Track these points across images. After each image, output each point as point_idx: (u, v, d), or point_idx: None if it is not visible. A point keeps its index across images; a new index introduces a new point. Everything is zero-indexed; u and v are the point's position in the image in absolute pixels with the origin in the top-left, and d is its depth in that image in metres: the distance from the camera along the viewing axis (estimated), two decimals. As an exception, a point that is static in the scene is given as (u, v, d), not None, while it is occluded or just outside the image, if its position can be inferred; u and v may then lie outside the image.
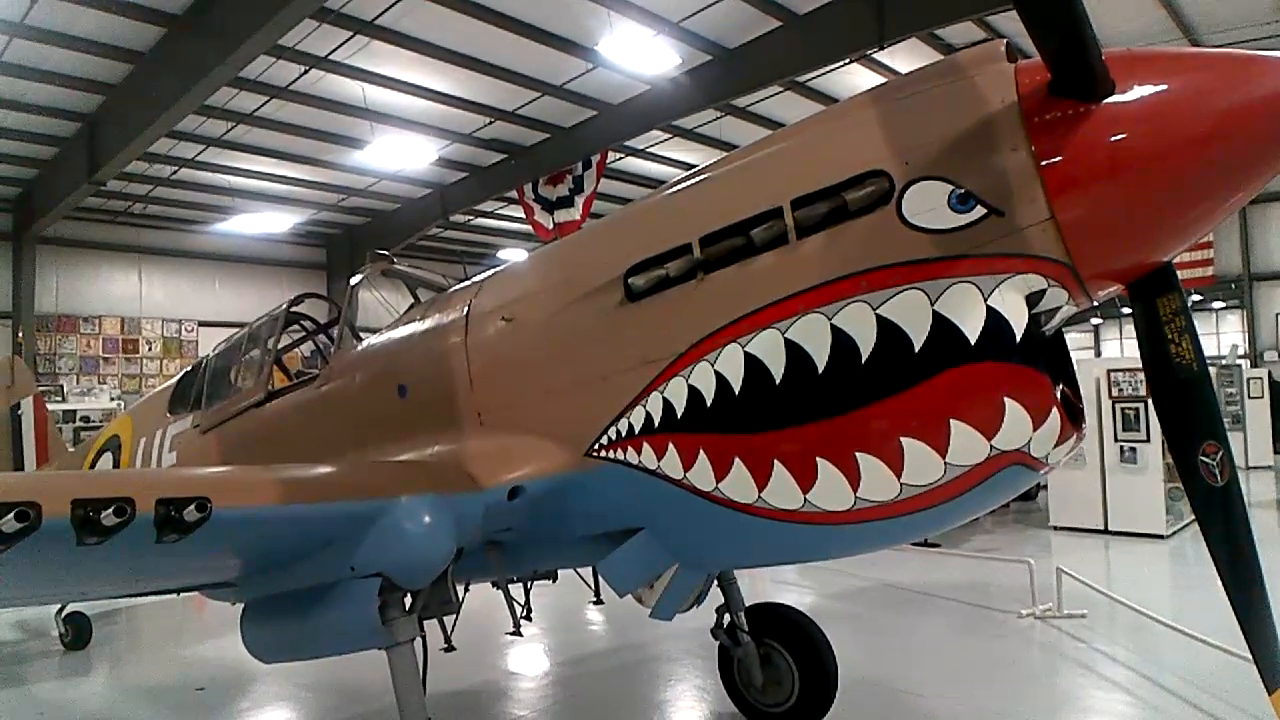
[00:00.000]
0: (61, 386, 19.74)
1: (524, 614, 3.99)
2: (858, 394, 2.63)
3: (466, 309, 3.88)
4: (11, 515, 2.20)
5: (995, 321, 2.50)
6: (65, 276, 21.04)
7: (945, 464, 2.57)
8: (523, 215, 19.76)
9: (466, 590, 3.65)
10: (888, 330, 2.58)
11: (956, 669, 5.60)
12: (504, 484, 3.26)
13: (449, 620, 3.51)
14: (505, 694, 5.63)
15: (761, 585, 7.88)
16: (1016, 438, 2.53)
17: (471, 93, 15.81)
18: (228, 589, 3.47)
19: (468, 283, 4.22)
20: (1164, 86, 2.41)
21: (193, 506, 2.49)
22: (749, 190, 3.03)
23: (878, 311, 2.59)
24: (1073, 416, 2.63)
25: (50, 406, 10.56)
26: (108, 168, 15.50)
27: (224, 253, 23.43)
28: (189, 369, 5.93)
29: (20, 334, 19.30)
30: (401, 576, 3.01)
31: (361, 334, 4.85)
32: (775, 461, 2.77)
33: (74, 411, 17.81)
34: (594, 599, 4.27)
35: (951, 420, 2.53)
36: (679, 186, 3.42)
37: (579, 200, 18.27)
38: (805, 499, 2.74)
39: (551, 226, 18.61)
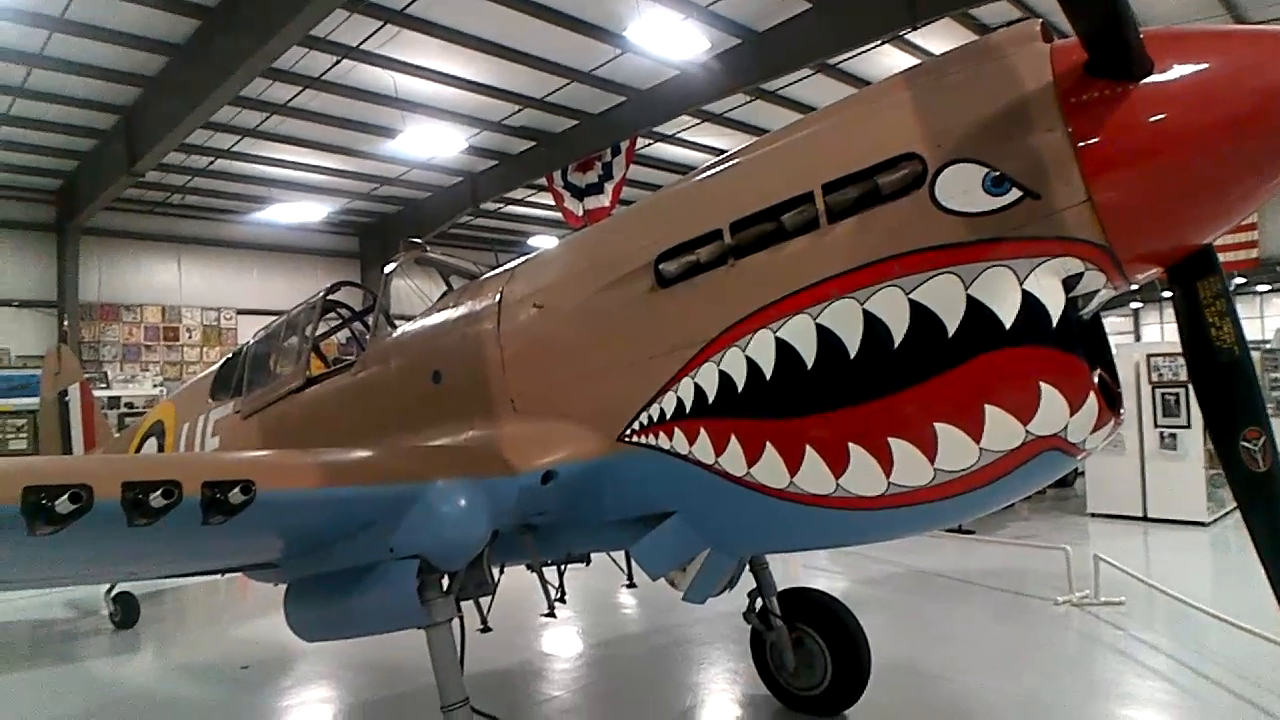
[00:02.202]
0: (105, 373, 20.24)
1: (558, 596, 4.04)
2: (890, 379, 2.62)
3: (499, 296, 3.92)
4: (66, 497, 2.28)
5: (1031, 305, 2.47)
6: (107, 266, 21.53)
7: (980, 449, 2.56)
8: (552, 202, 19.80)
9: (502, 572, 3.72)
10: (921, 315, 2.56)
11: (990, 655, 5.58)
12: (537, 468, 3.30)
13: (485, 602, 3.58)
14: (540, 674, 5.72)
15: (793, 570, 7.89)
16: (1053, 423, 2.51)
17: (500, 80, 15.85)
18: (271, 570, 3.57)
19: (500, 270, 4.26)
20: (1205, 65, 2.36)
21: (238, 489, 2.56)
22: (780, 175, 3.02)
23: (910, 296, 2.58)
24: (1110, 401, 2.60)
25: (95, 393, 10.83)
26: (146, 159, 15.79)
27: (261, 242, 23.80)
28: (230, 356, 6.07)
29: (65, 323, 19.80)
30: (438, 558, 3.07)
31: (396, 321, 4.93)
32: (807, 447, 2.77)
33: (118, 398, 18.29)
34: (627, 582, 4.31)
35: (986, 405, 2.52)
36: (709, 172, 3.42)
37: (608, 187, 18.25)
38: (837, 484, 2.75)
39: (581, 213, 18.62)
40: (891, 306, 2.61)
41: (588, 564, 4.35)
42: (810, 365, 2.73)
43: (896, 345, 2.59)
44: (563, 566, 4.24)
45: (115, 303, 21.72)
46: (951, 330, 2.53)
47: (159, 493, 2.41)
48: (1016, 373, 2.51)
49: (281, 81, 14.59)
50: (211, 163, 18.63)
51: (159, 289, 22.45)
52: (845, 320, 2.68)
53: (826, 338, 2.71)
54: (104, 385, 18.70)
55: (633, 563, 4.08)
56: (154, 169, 16.84)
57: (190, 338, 22.82)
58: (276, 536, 3.07)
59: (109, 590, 7.67)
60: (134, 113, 15.58)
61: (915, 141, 2.68)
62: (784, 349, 2.79)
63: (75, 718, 5.40)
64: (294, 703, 5.47)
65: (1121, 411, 2.67)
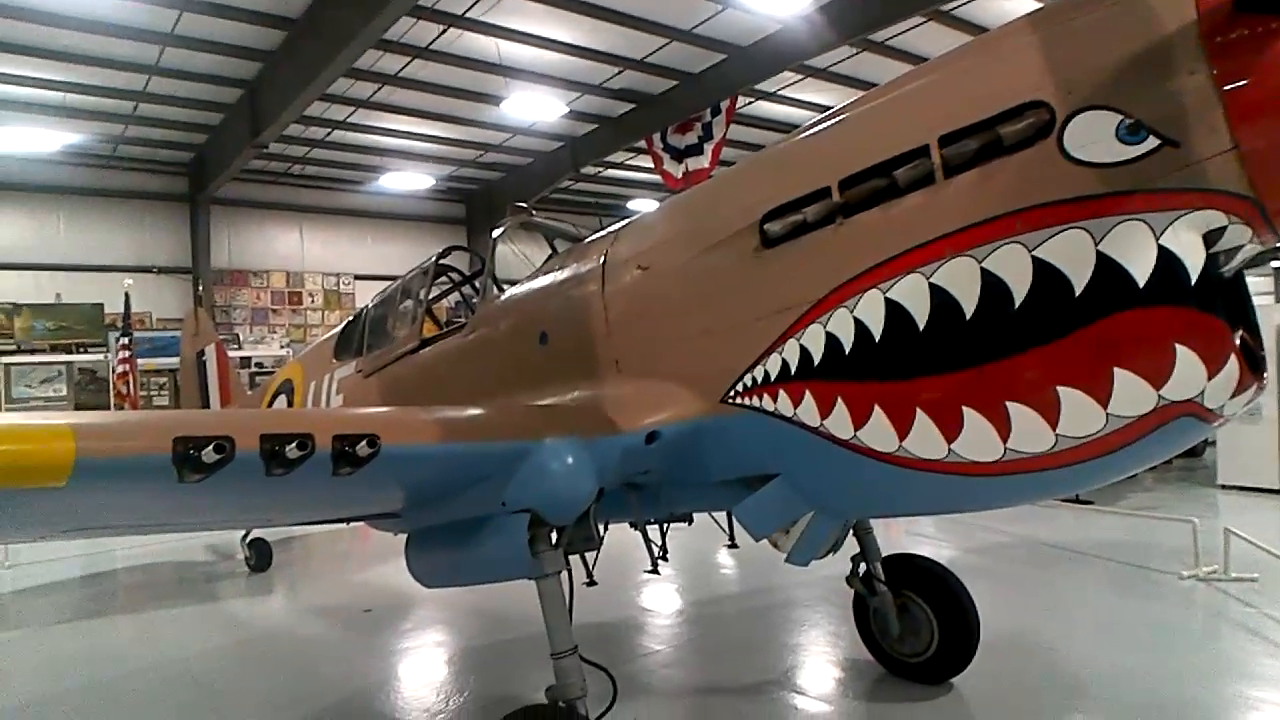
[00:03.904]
0: (237, 335, 21.66)
1: (661, 554, 4.12)
2: (1010, 341, 2.51)
3: (603, 258, 3.96)
4: (211, 447, 2.46)
5: (1167, 262, 2.31)
6: (235, 234, 22.88)
7: (1107, 415, 2.43)
8: (651, 165, 19.72)
9: (606, 529, 3.81)
10: (1045, 273, 2.44)
11: (1106, 628, 5.36)
12: (641, 429, 3.35)
13: (590, 557, 3.68)
14: (642, 629, 5.86)
15: (896, 537, 7.75)
16: (1188, 387, 2.35)
17: (601, 43, 15.80)
18: (392, 519, 3.77)
19: (604, 232, 4.30)
20: None
21: (364, 442, 2.71)
22: (892, 128, 2.91)
23: (1034, 253, 2.46)
24: (1253, 364, 2.41)
25: (229, 353, 11.62)
26: (268, 131, 16.60)
27: (374, 210, 24.76)
28: (351, 319, 6.38)
29: (200, 287, 21.22)
30: (548, 512, 3.17)
31: (503, 284, 5.06)
32: (918, 410, 2.70)
33: (249, 358, 19.56)
34: (729, 542, 4.35)
35: (1115, 368, 2.39)
36: (816, 128, 3.32)
37: (708, 148, 18.01)
38: (950, 449, 2.67)
39: (680, 175, 18.48)
40: (1013, 264, 2.49)
41: (690, 523, 4.40)
42: (923, 326, 2.65)
43: (1018, 305, 2.48)
44: (665, 525, 4.31)
45: (244, 269, 23.11)
46: (1079, 289, 2.40)
47: (294, 445, 2.57)
48: (1150, 334, 2.36)
49: (391, 52, 15.00)
50: (329, 134, 19.42)
51: (283, 255, 23.73)
52: (962, 279, 2.57)
53: (940, 298, 2.61)
54: (236, 346, 20.00)
55: (735, 523, 4.13)
56: (276, 141, 17.68)
57: (313, 302, 24.10)
58: (398, 488, 3.24)
59: (245, 536, 8.31)
60: (256, 87, 16.36)
61: (1042, 88, 2.53)
62: (894, 310, 2.71)
63: (218, 651, 5.91)
64: (413, 645, 5.81)
65: (1265, 375, 2.48)
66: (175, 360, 13.67)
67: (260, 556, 8.26)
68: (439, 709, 4.53)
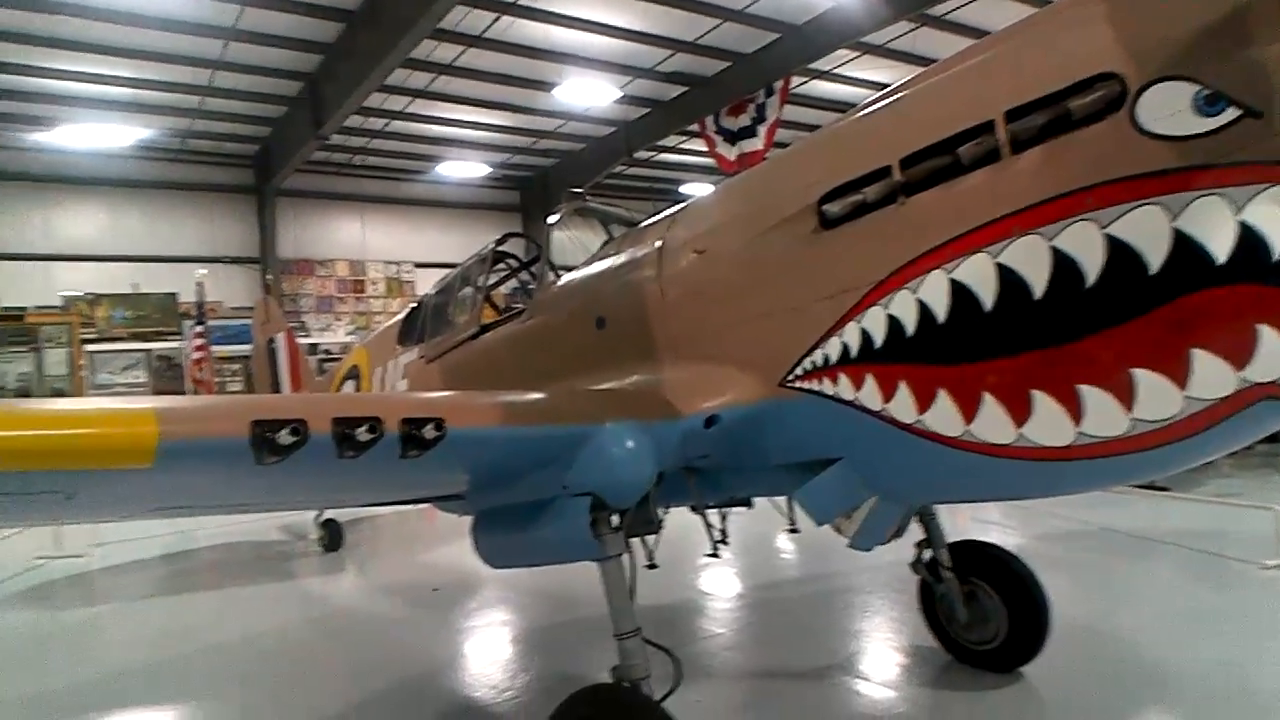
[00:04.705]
0: (304, 323, 22.34)
1: (720, 538, 4.13)
2: (1081, 322, 2.43)
3: (659, 243, 3.96)
4: (286, 430, 2.55)
5: (1249, 239, 2.21)
6: (300, 224, 23.54)
7: (1184, 397, 2.34)
8: (705, 149, 19.59)
9: (667, 513, 3.83)
10: (1118, 251, 2.35)
11: (1179, 618, 5.19)
12: (700, 413, 3.35)
13: (651, 540, 3.71)
14: (703, 612, 5.89)
15: (962, 523, 7.61)
16: (1271, 369, 2.24)
17: (653, 25, 15.74)
18: (457, 502, 3.85)
19: (659, 216, 4.30)
20: None
21: (431, 425, 2.77)
22: (955, 104, 2.83)
23: (1106, 231, 2.37)
24: (1343, 346, 2.30)
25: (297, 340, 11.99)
26: (330, 123, 17.01)
27: (432, 198, 25.20)
28: (413, 306, 6.52)
29: (268, 277, 21.91)
30: (608, 495, 3.21)
31: (560, 270, 5.10)
32: (984, 394, 2.64)
33: (316, 344, 20.17)
34: (790, 527, 4.33)
35: (1193, 350, 2.29)
36: (874, 106, 3.25)
37: (761, 130, 17.80)
38: (1019, 433, 2.60)
39: (734, 158, 18.32)
40: (1084, 242, 2.40)
41: (750, 507, 4.40)
42: (989, 307, 2.58)
43: (1089, 285, 2.40)
44: (725, 509, 4.32)
45: (310, 258, 23.78)
46: (1154, 267, 2.31)
47: (364, 428, 2.64)
48: (1230, 313, 2.26)
49: (446, 41, 15.20)
50: (387, 124, 19.80)
51: (345, 245, 24.35)
52: (1030, 259, 2.50)
53: (1008, 278, 2.54)
54: (304, 333, 20.63)
55: (795, 508, 4.11)
56: (337, 132, 18.11)
57: (375, 289, 24.71)
58: (462, 470, 3.31)
59: (318, 517, 8.62)
60: (317, 79, 16.76)
61: (1113, 59, 2.42)
62: (959, 291, 2.65)
63: (295, 626, 6.14)
64: (479, 624, 5.95)
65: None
66: (247, 347, 14.16)
67: (333, 537, 8.55)
68: (505, 686, 4.64)
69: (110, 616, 6.82)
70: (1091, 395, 2.46)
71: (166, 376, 19.36)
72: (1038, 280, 2.49)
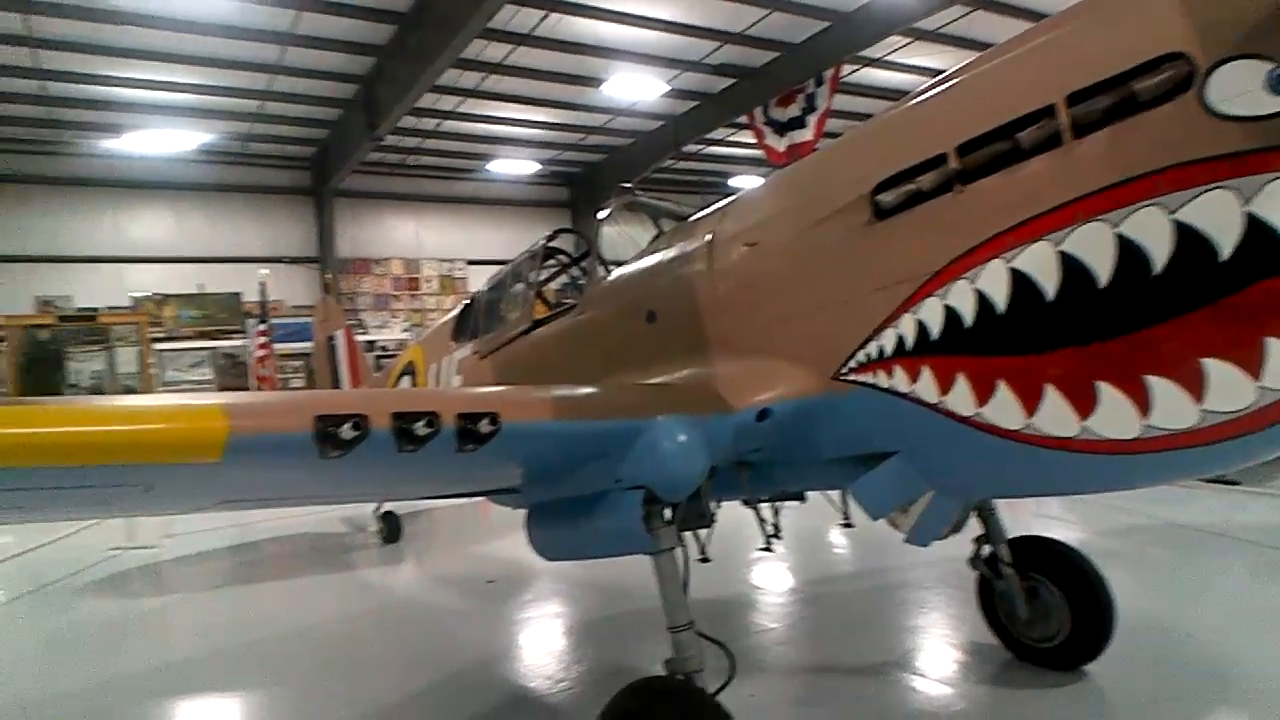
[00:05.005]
0: (362, 320, 22.86)
1: (773, 532, 4.11)
2: (1148, 310, 2.35)
3: (710, 236, 3.95)
4: (349, 425, 2.62)
5: (1326, 223, 2.12)
6: (357, 224, 24.08)
7: (1258, 388, 2.25)
8: (753, 141, 19.44)
9: (719, 507, 3.83)
10: (1188, 237, 2.27)
11: (1251, 616, 4.99)
12: (752, 406, 3.33)
13: (704, 534, 3.71)
14: (755, 606, 5.87)
15: (1022, 518, 7.44)
16: (1352, 357, 2.16)
17: (700, 18, 15.67)
18: (511, 495, 3.91)
19: (709, 210, 4.29)
20: None
21: (486, 420, 2.81)
22: (1013, 89, 2.76)
23: (1174, 216, 2.29)
24: None
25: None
26: (384, 124, 17.34)
27: (483, 196, 25.54)
28: (466, 303, 6.62)
29: (327, 276, 22.47)
30: (661, 489, 3.21)
31: (610, 265, 5.12)
32: (1046, 386, 2.58)
33: (373, 341, 20.63)
34: (843, 521, 4.29)
35: (1267, 338, 2.20)
36: (929, 93, 3.18)
37: (811, 120, 17.60)
38: (1083, 426, 2.54)
39: (783, 149, 18.16)
40: (1151, 228, 2.33)
41: (803, 501, 4.37)
42: (1051, 297, 2.52)
43: (1157, 272, 2.32)
44: (777, 503, 4.30)
45: (366, 257, 24.31)
46: (1225, 253, 2.22)
47: (422, 423, 2.70)
48: (1307, 300, 2.17)
49: (496, 40, 15.36)
50: (438, 124, 20.10)
51: (400, 244, 24.83)
52: (1094, 246, 2.42)
53: (1071, 266, 2.47)
54: (361, 330, 21.12)
55: (850, 502, 4.07)
56: (390, 133, 18.45)
57: (429, 287, 25.17)
58: (516, 464, 3.35)
59: (376, 509, 8.82)
60: (371, 81, 17.09)
61: (1181, 38, 2.34)
62: (1020, 280, 2.59)
63: (356, 616, 6.30)
64: (534, 615, 6.02)
65: None
66: (308, 345, 14.56)
67: (391, 529, 8.74)
68: (560, 677, 4.69)
69: (180, 605, 7.09)
70: (1159, 386, 2.39)
71: (231, 373, 20.02)
72: (1102, 268, 2.42)
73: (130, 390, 18.46)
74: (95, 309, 19.94)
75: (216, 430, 2.41)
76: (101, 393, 17.70)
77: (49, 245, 20.32)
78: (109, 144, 19.59)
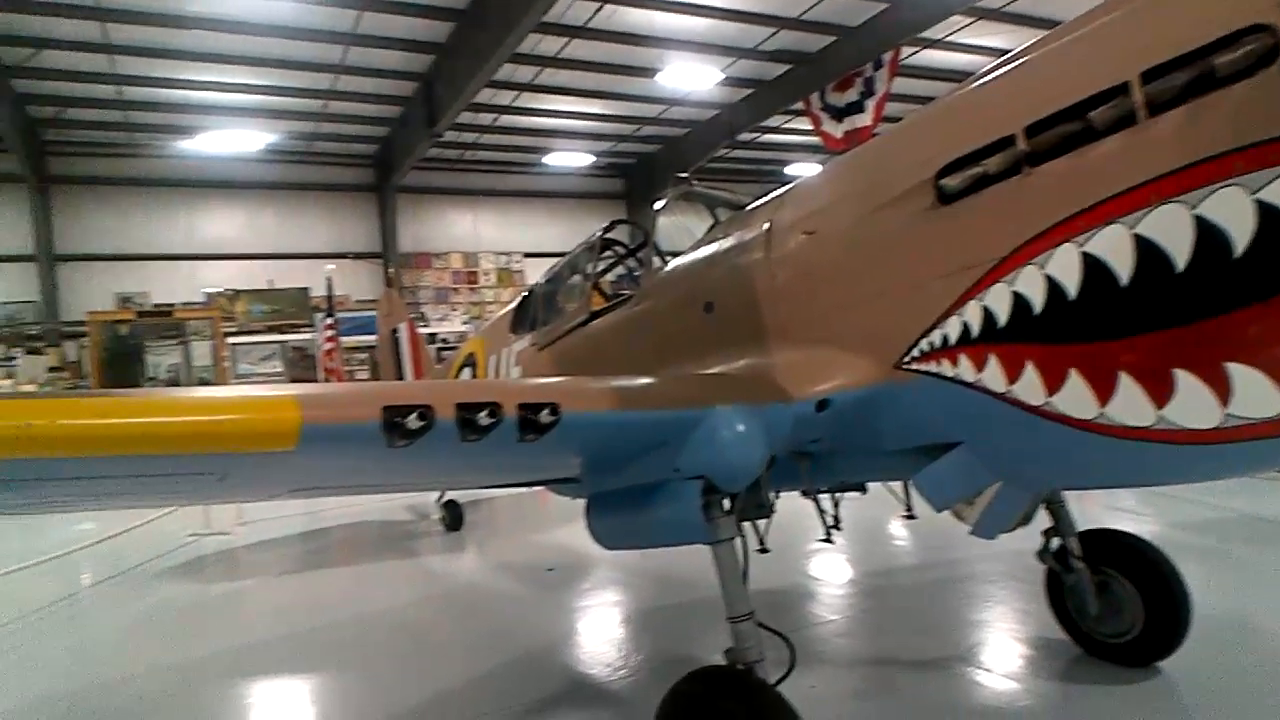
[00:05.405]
0: (423, 313, 23.34)
1: (833, 524, 4.07)
2: (1229, 295, 2.25)
3: (767, 225, 3.92)
4: (415, 415, 2.68)
5: None
6: (417, 220, 24.55)
7: (1349, 374, 2.15)
8: (809, 128, 19.16)
9: (778, 497, 3.81)
10: (1270, 218, 2.16)
11: (1343, 615, 4.76)
12: (812, 396, 3.30)
13: (762, 524, 3.70)
14: (815, 597, 5.83)
15: (1093, 511, 7.22)
16: None
17: (755, 3, 15.50)
18: (571, 485, 3.95)
19: (767, 198, 4.25)
20: None
21: (546, 410, 2.85)
22: (1085, 67, 2.66)
23: (1257, 196, 2.18)
24: None
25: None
26: (443, 120, 17.62)
27: (539, 189, 25.76)
28: (525, 295, 6.70)
29: (390, 270, 22.98)
30: (720, 479, 3.21)
31: (667, 256, 5.12)
32: (1120, 373, 2.49)
33: (434, 334, 21.05)
34: (906, 513, 4.23)
35: (1359, 322, 2.10)
36: (994, 74, 3.09)
37: (869, 104, 17.26)
38: (1159, 415, 2.45)
39: (840, 135, 17.87)
40: (1232, 209, 2.22)
41: (864, 493, 4.31)
42: (1125, 281, 2.43)
43: (1238, 254, 2.22)
44: (838, 494, 4.26)
45: (426, 251, 24.78)
46: (1314, 234, 2.12)
47: (485, 413, 2.75)
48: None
49: (551, 34, 15.44)
50: (495, 119, 20.33)
51: (459, 238, 25.24)
52: (1171, 228, 2.33)
53: (1146, 249, 2.38)
54: (423, 323, 21.57)
55: (912, 493, 4.00)
56: (449, 129, 18.74)
57: (487, 280, 25.54)
58: (576, 454, 3.39)
59: (439, 498, 9.02)
60: (431, 78, 17.37)
61: (1263, 9, 2.22)
62: (1092, 265, 2.51)
63: (421, 602, 6.46)
64: (593, 603, 6.09)
65: None
66: (372, 338, 14.90)
67: (454, 517, 8.94)
68: (619, 665, 4.74)
69: (254, 590, 7.36)
70: (1241, 374, 2.29)
71: (300, 366, 20.66)
72: (1179, 251, 2.33)
73: (205, 382, 19.20)
74: (171, 305, 20.79)
75: (290, 420, 2.49)
76: (178, 385, 18.44)
77: (127, 244, 21.23)
78: (184, 145, 20.35)
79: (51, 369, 19.31)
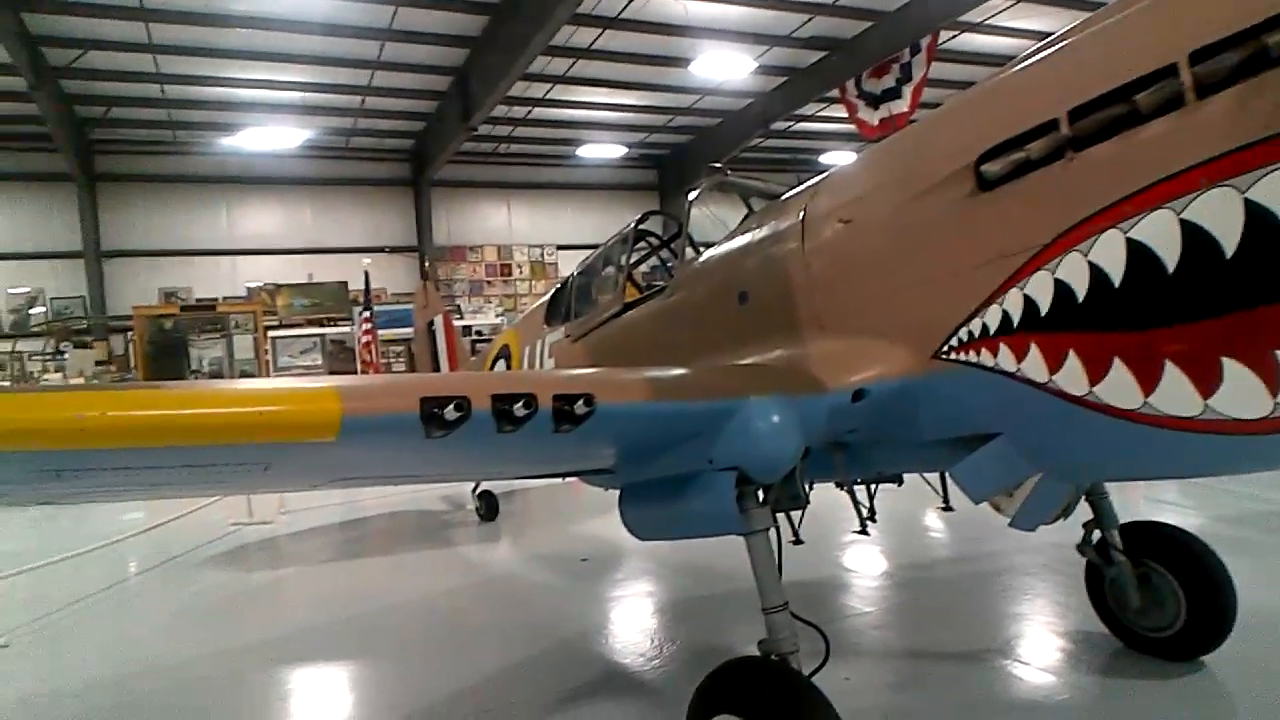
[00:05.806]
0: (458, 306, 23.55)
1: (869, 515, 4.03)
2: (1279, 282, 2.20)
3: (802, 214, 3.88)
4: (452, 406, 2.71)
5: None
6: (452, 213, 24.76)
7: None
8: (844, 115, 18.93)
9: (812, 489, 3.79)
10: (1327, 201, 2.11)
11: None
12: (848, 387, 3.27)
13: (797, 516, 3.68)
14: (850, 589, 5.80)
15: (1134, 503, 7.07)
16: None
17: (790, -10, 15.32)
18: (605, 475, 3.97)
19: (801, 187, 4.21)
20: None
21: (581, 401, 2.86)
22: (1131, 48, 2.60)
23: (1312, 180, 2.12)
24: None
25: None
26: (478, 114, 17.73)
27: (572, 181, 25.81)
28: (558, 287, 6.73)
29: (426, 263, 23.22)
30: (754, 470, 3.20)
31: (701, 246, 5.10)
32: (1166, 362, 2.44)
33: (469, 327, 21.24)
34: (943, 505, 4.18)
35: None
36: (1036, 57, 3.03)
37: (906, 90, 16.99)
38: (1206, 404, 2.39)
39: (876, 123, 17.62)
40: (1284, 193, 2.17)
41: (900, 484, 4.27)
42: (1173, 268, 2.37)
43: (1289, 239, 2.16)
44: (873, 486, 4.22)
45: (461, 244, 24.99)
46: (1371, 218, 2.05)
47: (520, 404, 2.76)
48: None
49: (584, 26, 15.44)
50: (529, 112, 20.40)
51: (492, 230, 25.41)
52: (1220, 213, 2.27)
53: (1194, 235, 2.32)
54: (458, 316, 21.76)
55: (949, 485, 3.95)
56: (484, 122, 18.85)
57: (521, 273, 25.70)
58: (611, 444, 3.40)
59: (475, 489, 9.13)
60: (466, 73, 17.48)
61: (1321, -15, 2.16)
62: (1137, 251, 2.45)
63: (457, 591, 6.54)
64: (627, 594, 6.12)
65: None
66: (409, 330, 15.08)
67: (489, 507, 9.04)
68: (654, 654, 4.76)
69: (295, 578, 7.51)
70: (1293, 363, 2.22)
71: (339, 358, 20.98)
72: (1229, 237, 2.27)
73: (247, 375, 19.58)
74: (214, 299, 21.22)
75: (331, 411, 2.53)
76: (220, 377, 18.82)
77: (170, 240, 21.72)
78: (225, 142, 20.73)
79: (99, 363, 19.85)
